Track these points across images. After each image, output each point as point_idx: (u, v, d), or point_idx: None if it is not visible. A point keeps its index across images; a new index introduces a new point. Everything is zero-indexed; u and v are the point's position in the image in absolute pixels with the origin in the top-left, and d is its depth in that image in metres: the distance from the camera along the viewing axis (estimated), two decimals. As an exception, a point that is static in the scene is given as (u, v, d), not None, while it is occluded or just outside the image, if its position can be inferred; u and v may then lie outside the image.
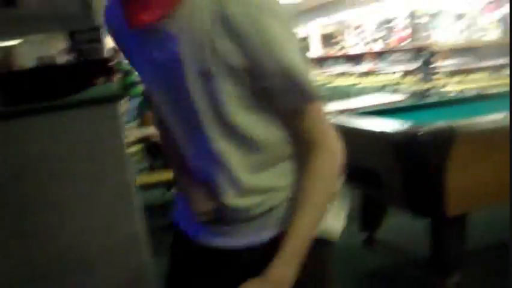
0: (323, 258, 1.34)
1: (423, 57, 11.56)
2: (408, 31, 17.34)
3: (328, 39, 22.01)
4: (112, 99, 2.88)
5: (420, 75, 11.33)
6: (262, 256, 1.22)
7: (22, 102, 4.44)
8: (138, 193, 3.17)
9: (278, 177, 1.28)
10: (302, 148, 1.24)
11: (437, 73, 10.88)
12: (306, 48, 12.98)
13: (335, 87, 14.46)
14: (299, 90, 1.17)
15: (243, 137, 1.23)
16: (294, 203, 1.24)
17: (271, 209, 1.29)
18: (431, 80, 10.86)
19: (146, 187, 4.66)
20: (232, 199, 1.28)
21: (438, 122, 2.93)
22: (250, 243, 1.31)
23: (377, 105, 5.33)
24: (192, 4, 1.13)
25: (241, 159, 1.25)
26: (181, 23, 1.15)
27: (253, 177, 1.27)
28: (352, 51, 19.06)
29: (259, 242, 1.29)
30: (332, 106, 6.49)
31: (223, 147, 1.24)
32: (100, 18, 13.74)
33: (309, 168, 1.23)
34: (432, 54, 11.49)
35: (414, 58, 15.01)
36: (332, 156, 1.24)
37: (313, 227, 1.24)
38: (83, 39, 13.59)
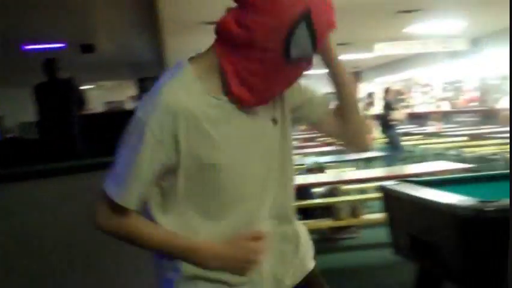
0: None
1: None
2: (477, 93, 17.05)
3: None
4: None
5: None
6: None
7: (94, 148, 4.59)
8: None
9: None
10: None
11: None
12: (371, 104, 12.93)
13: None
14: None
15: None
16: None
17: None
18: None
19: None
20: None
21: (506, 199, 2.81)
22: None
23: (439, 172, 5.20)
24: None
25: None
26: None
27: None
28: (418, 110, 18.86)
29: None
30: (396, 170, 6.39)
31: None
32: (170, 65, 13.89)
33: None
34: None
35: (482, 121, 14.69)
36: None
37: None
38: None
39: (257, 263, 1.52)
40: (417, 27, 11.13)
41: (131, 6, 7.93)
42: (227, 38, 1.42)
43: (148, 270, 1.64)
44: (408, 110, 19.09)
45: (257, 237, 1.52)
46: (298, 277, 1.68)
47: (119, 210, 1.48)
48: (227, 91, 1.46)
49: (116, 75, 15.79)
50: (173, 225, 1.50)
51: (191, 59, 1.52)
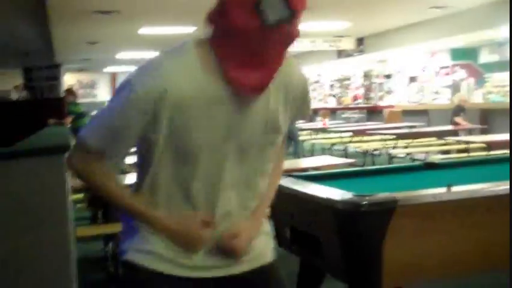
0: None
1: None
2: (363, 90, 17.75)
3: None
4: (58, 150, 2.84)
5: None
6: None
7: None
8: (76, 245, 3.09)
9: None
10: None
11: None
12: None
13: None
14: None
15: None
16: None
17: None
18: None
19: (87, 239, 4.50)
20: None
21: (381, 193, 2.96)
22: None
23: (324, 166, 5.38)
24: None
25: None
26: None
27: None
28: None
29: None
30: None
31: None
32: (60, 56, 13.51)
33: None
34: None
35: (367, 117, 15.33)
36: None
37: None
38: (41, 76, 13.39)
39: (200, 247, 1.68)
40: (306, 25, 11.43)
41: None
42: (213, 29, 1.53)
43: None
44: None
45: (207, 223, 1.65)
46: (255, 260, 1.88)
47: (85, 151, 1.58)
48: (224, 77, 1.52)
49: (2, 63, 15.08)
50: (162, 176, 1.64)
51: (195, 41, 1.57)
